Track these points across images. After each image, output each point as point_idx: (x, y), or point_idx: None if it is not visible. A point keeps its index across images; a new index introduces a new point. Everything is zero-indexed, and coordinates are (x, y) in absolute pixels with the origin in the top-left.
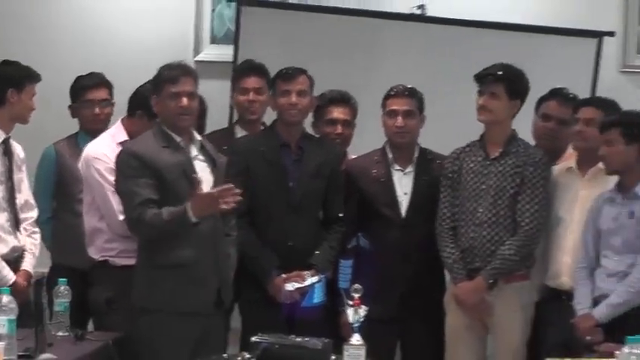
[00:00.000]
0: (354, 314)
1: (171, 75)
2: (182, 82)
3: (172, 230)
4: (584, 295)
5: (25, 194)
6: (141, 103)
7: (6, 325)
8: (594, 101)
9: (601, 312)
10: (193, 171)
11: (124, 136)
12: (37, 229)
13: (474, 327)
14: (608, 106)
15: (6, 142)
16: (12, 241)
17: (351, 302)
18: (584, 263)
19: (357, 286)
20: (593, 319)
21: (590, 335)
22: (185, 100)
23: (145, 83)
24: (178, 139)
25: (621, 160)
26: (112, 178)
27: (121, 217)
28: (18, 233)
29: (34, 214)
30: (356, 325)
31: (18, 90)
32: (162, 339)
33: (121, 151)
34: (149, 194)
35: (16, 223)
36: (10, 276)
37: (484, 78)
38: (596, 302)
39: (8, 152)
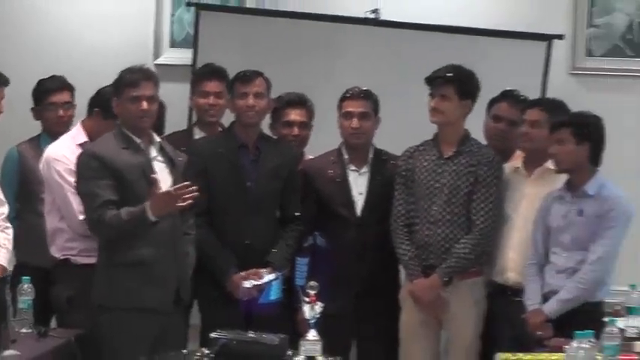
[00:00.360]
0: (310, 311)
1: (132, 79)
2: (142, 86)
3: (132, 230)
4: (534, 291)
5: None
6: (99, 103)
7: None
8: (540, 103)
9: (551, 307)
10: (153, 172)
11: (84, 138)
12: (9, 225)
13: (428, 323)
14: (554, 107)
15: None
16: None
17: (307, 299)
18: (533, 260)
19: (313, 283)
20: (543, 315)
21: (540, 330)
22: (145, 104)
23: (108, 85)
24: (138, 140)
25: (571, 160)
26: (71, 179)
27: (81, 217)
28: None
29: (4, 210)
30: (312, 321)
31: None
32: (121, 336)
33: (81, 153)
34: (109, 195)
35: None
36: None
37: (434, 80)
38: (545, 298)
39: None
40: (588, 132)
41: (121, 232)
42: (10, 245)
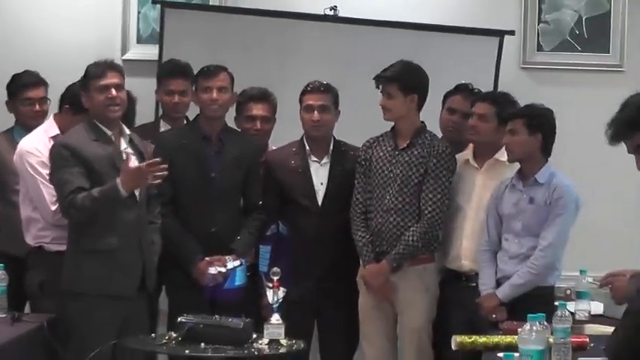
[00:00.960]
0: (274, 296)
1: (98, 70)
2: (109, 75)
3: (104, 207)
4: (488, 277)
5: None
6: (68, 99)
7: None
8: (488, 97)
9: (504, 292)
10: (121, 162)
11: (56, 131)
12: None
13: (381, 307)
14: (502, 100)
15: None
16: None
17: (270, 285)
18: (486, 246)
19: (275, 269)
20: (497, 299)
21: (494, 313)
22: (114, 91)
23: (76, 82)
24: (109, 132)
25: (523, 149)
26: (44, 171)
27: (53, 208)
28: None
29: None
30: (275, 305)
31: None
32: (88, 321)
33: (53, 144)
34: (80, 183)
35: None
36: None
37: (379, 80)
38: (499, 283)
39: None
40: (540, 123)
41: (93, 211)
42: None
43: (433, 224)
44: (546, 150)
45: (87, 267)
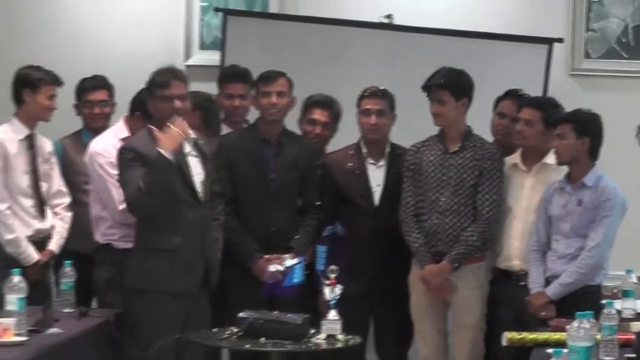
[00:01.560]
0: (331, 293)
1: (163, 80)
2: (173, 85)
3: (157, 179)
4: (538, 276)
5: (56, 183)
6: (139, 107)
7: (16, 302)
8: (534, 102)
9: (553, 290)
10: (186, 169)
11: (126, 133)
12: (68, 214)
13: (435, 305)
14: (547, 105)
15: (30, 137)
16: (36, 225)
17: (327, 282)
18: (536, 247)
19: (333, 267)
20: (546, 297)
21: (543, 311)
22: (177, 103)
23: (144, 88)
24: None
25: (571, 153)
26: (113, 171)
27: (121, 207)
28: (43, 218)
29: (65, 200)
30: (332, 302)
31: (33, 90)
32: (152, 317)
33: (120, 147)
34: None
35: (40, 209)
36: (34, 255)
37: (430, 88)
38: (547, 282)
39: (33, 146)
40: (587, 127)
41: (150, 191)
42: (65, 233)
43: (490, 224)
44: (593, 154)
45: (151, 265)
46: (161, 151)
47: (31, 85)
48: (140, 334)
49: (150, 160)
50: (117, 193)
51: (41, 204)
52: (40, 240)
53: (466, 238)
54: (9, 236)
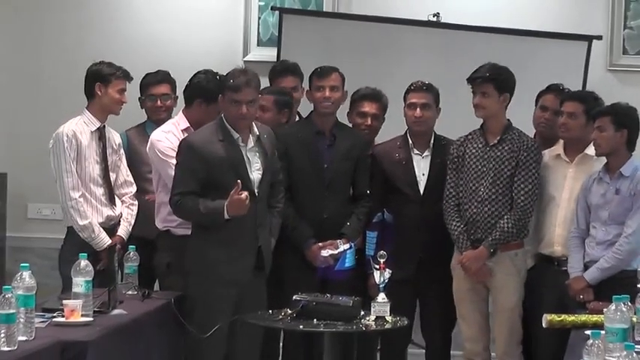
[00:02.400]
0: (380, 276)
1: (235, 84)
2: (243, 92)
3: (206, 222)
4: (577, 261)
5: (124, 173)
6: (197, 93)
7: (83, 285)
8: (576, 95)
9: (592, 275)
10: (243, 167)
11: (186, 124)
12: (135, 202)
13: (476, 289)
14: (588, 98)
15: (101, 129)
16: (107, 212)
17: (377, 266)
18: (575, 233)
19: (382, 252)
20: (585, 281)
21: (582, 294)
22: (244, 108)
23: (196, 74)
24: (236, 135)
25: (610, 144)
26: (172, 155)
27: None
28: (113, 205)
29: (132, 189)
30: (381, 285)
31: (105, 84)
32: (208, 300)
33: (182, 140)
34: (192, 187)
35: (110, 197)
36: (107, 240)
37: (475, 80)
38: (586, 267)
39: (103, 138)
40: (625, 120)
41: (195, 220)
42: (132, 220)
43: (526, 212)
44: (631, 145)
45: (206, 252)
46: (225, 210)
47: (104, 80)
48: (198, 316)
49: (204, 158)
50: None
51: (111, 192)
52: (110, 227)
53: (502, 226)
54: (83, 222)
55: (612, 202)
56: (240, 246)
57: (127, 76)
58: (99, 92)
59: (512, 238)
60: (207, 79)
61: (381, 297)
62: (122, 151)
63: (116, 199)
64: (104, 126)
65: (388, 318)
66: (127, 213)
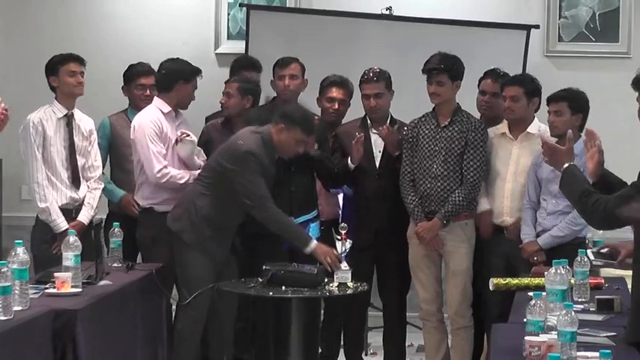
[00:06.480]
0: (342, 246)
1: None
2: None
3: (285, 238)
4: (530, 229)
5: (92, 157)
6: (176, 76)
7: (72, 259)
8: (515, 80)
9: (545, 240)
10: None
11: (168, 108)
12: (98, 186)
13: (430, 256)
14: (526, 80)
15: (69, 116)
16: (71, 194)
17: (339, 237)
18: (527, 205)
19: (343, 224)
20: (537, 245)
21: (535, 256)
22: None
23: (162, 63)
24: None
25: (566, 127)
26: (153, 136)
27: (157, 170)
28: (77, 188)
29: (97, 172)
30: (343, 254)
31: (55, 75)
32: (193, 272)
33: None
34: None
35: (75, 180)
36: (64, 224)
37: (430, 72)
38: (537, 235)
39: (70, 124)
40: (581, 105)
41: (278, 230)
42: (94, 203)
43: (475, 187)
44: (582, 127)
45: (201, 229)
46: (312, 246)
47: (53, 71)
48: (182, 284)
49: (266, 174)
50: (155, 159)
51: (76, 175)
52: (76, 208)
53: (453, 199)
54: (42, 205)
55: None
56: (230, 233)
57: (75, 59)
58: (54, 84)
59: (462, 210)
60: (176, 62)
61: (343, 265)
62: (94, 136)
63: (83, 181)
64: (72, 113)
65: (350, 284)
66: (89, 197)
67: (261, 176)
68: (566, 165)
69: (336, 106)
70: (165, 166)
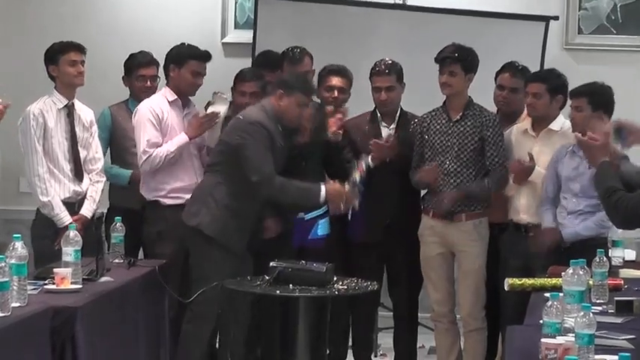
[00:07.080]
0: (359, 177)
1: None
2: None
3: (299, 203)
4: (550, 220)
5: (93, 149)
6: (167, 64)
7: (72, 254)
8: (538, 76)
9: (568, 234)
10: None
11: (174, 96)
12: (100, 179)
13: (443, 255)
14: (550, 76)
15: (69, 107)
16: (73, 187)
17: (357, 170)
18: (546, 200)
19: (366, 160)
20: (560, 234)
21: (551, 239)
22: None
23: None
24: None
25: (587, 123)
26: (144, 128)
27: (141, 151)
28: (80, 181)
29: (99, 165)
30: (359, 182)
31: (55, 64)
32: (210, 266)
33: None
34: (273, 169)
35: (77, 172)
36: (67, 219)
37: (443, 60)
38: None
39: (71, 115)
40: (601, 100)
41: (288, 199)
42: (97, 197)
43: (504, 176)
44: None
45: (223, 219)
46: (324, 194)
47: (52, 61)
48: (199, 281)
49: (275, 148)
50: (143, 143)
51: (78, 168)
52: (78, 201)
53: (482, 182)
54: (44, 199)
55: (584, 176)
56: (251, 223)
57: (75, 47)
58: (54, 73)
59: (483, 197)
60: (176, 47)
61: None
62: (94, 128)
63: (85, 174)
64: (72, 103)
65: (359, 282)
66: (91, 190)
67: (269, 150)
68: (600, 161)
69: (336, 94)
70: (149, 153)
